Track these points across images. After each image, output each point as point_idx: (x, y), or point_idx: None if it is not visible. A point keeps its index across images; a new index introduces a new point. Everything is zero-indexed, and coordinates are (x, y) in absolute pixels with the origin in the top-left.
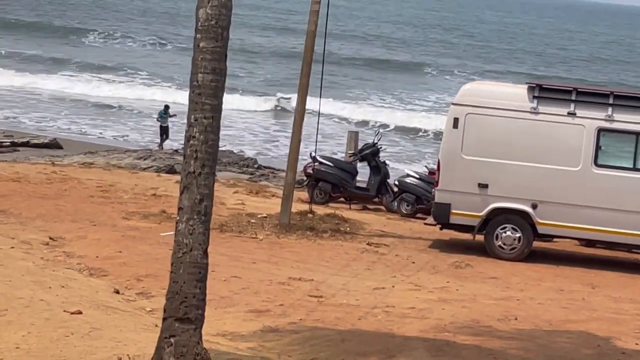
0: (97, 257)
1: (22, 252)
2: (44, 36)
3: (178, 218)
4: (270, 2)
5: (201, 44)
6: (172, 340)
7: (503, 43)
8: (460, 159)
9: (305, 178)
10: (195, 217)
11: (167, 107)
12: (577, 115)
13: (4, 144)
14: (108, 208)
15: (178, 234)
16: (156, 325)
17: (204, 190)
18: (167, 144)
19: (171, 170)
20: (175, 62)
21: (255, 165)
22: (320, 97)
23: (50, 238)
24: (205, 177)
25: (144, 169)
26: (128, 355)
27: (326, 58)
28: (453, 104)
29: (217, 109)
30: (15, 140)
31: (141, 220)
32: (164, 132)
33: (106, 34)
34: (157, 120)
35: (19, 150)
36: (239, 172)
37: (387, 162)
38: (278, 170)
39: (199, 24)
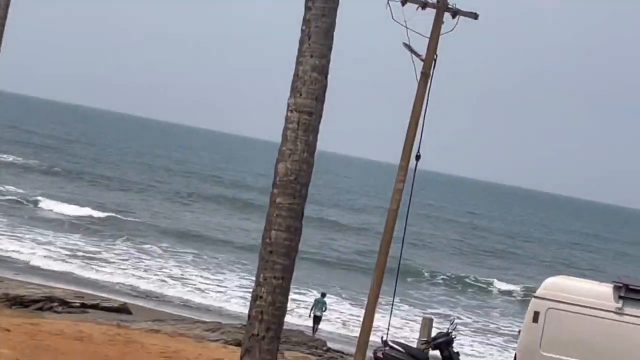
0: None
1: None
2: None
3: None
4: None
5: (277, 200)
6: None
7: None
8: (538, 356)
9: None
10: None
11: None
12: None
13: (74, 304)
14: None
15: None
16: None
17: (267, 356)
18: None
19: (239, 344)
20: None
21: (325, 348)
22: (397, 278)
23: None
24: (270, 341)
25: (212, 341)
26: None
27: None
28: (534, 296)
29: (288, 270)
30: (85, 302)
31: None
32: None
33: None
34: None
35: (87, 312)
36: (307, 353)
37: (460, 353)
38: (347, 355)
39: (277, 178)
